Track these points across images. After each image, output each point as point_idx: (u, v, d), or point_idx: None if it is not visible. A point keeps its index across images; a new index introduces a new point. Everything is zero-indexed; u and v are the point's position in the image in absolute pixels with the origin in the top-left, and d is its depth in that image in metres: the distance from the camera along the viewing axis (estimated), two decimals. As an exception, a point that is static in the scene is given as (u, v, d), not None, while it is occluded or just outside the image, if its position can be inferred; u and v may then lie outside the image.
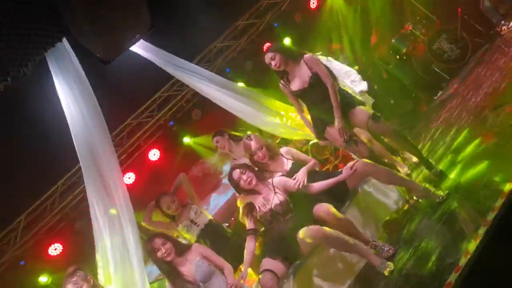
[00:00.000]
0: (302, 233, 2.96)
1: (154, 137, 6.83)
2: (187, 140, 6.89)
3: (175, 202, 3.99)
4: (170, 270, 3.16)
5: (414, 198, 3.27)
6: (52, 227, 6.30)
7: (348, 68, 4.59)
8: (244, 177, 3.29)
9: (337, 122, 3.44)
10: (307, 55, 3.53)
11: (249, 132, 4.18)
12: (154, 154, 6.72)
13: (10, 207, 6.14)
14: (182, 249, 3.18)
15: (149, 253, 3.15)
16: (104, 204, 3.23)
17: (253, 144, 3.71)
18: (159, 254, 3.08)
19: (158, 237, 3.17)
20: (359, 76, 4.58)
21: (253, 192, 3.32)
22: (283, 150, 3.88)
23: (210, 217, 4.07)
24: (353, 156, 4.10)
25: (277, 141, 5.18)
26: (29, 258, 6.04)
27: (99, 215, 3.28)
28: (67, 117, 3.36)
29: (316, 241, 2.98)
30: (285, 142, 5.13)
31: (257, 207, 3.26)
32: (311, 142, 4.77)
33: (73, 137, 3.40)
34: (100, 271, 3.51)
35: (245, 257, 3.22)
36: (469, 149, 3.39)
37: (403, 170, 3.93)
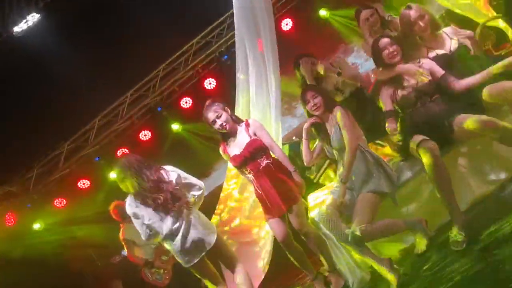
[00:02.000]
0: (467, 121, 2.64)
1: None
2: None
3: (314, 63, 3.71)
4: (319, 128, 3.05)
5: None
6: (184, 82, 6.71)
7: None
8: (391, 49, 2.98)
9: None
10: None
11: None
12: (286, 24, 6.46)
13: (150, 60, 6.63)
14: (332, 107, 3.01)
15: (302, 104, 3.06)
16: (254, 52, 3.09)
17: (412, 13, 3.18)
18: (308, 106, 3.00)
19: (311, 90, 3.06)
20: None
21: (393, 68, 2.99)
22: (447, 29, 3.30)
23: (357, 84, 3.78)
24: None
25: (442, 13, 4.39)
26: (165, 106, 6.69)
27: (249, 58, 3.13)
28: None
29: (481, 132, 2.64)
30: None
31: (398, 87, 2.98)
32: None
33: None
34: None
35: None
36: None
37: None
